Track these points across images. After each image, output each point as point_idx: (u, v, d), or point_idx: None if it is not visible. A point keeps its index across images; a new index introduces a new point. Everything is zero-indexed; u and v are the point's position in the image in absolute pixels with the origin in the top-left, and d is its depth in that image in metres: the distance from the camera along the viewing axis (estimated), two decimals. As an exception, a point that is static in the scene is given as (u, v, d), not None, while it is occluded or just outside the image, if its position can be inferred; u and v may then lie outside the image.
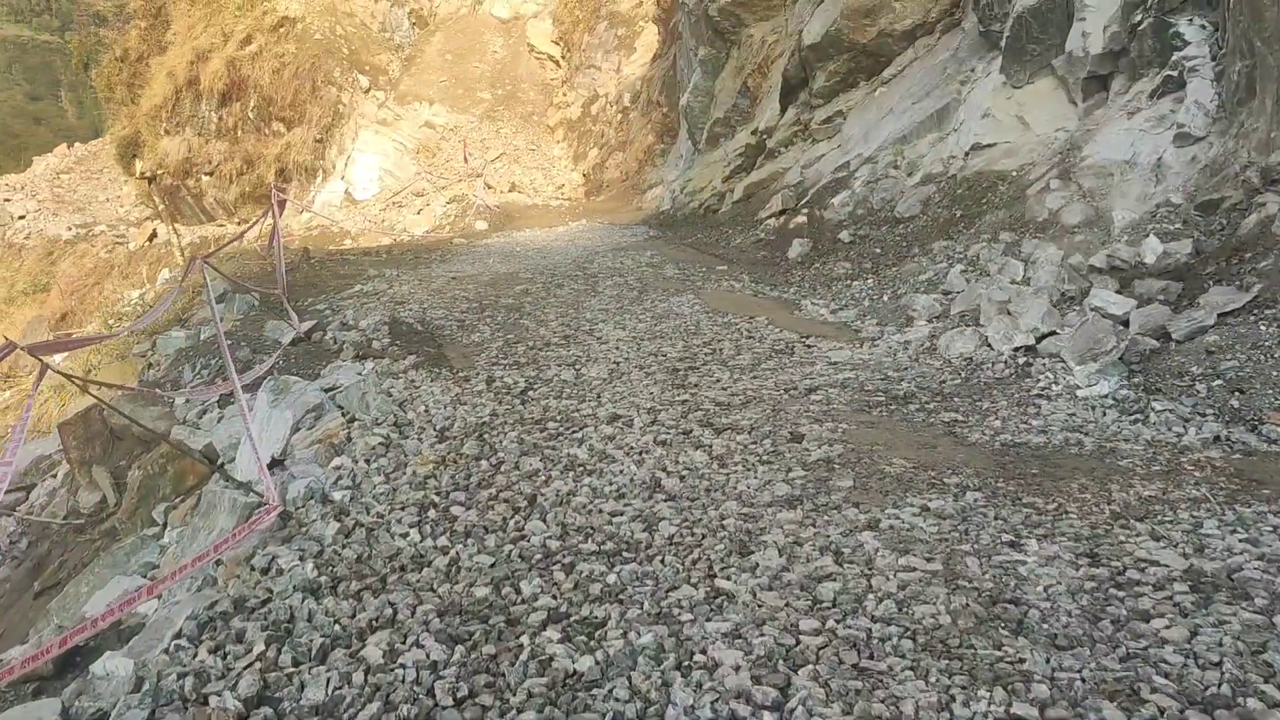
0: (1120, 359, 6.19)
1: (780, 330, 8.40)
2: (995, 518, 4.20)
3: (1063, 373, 6.29)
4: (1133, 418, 5.43)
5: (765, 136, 15.92)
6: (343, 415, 6.33)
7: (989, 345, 7.13)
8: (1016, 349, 6.91)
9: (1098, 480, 4.55)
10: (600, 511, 4.53)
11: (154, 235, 32.35)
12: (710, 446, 5.33)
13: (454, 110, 33.36)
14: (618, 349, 8.05)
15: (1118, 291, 7.17)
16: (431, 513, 4.66)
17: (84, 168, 40.60)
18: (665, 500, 4.63)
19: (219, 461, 7.11)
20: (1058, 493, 4.44)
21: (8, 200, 38.00)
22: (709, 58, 18.27)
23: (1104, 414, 5.55)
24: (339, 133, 33.61)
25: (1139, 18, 9.26)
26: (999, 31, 11.08)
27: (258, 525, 4.43)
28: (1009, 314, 7.46)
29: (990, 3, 11.07)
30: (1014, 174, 10.30)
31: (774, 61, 16.67)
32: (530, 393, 6.83)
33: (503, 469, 5.22)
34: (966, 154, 11.09)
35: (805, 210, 12.69)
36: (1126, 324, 6.63)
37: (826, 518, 4.29)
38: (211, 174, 35.42)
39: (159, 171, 36.23)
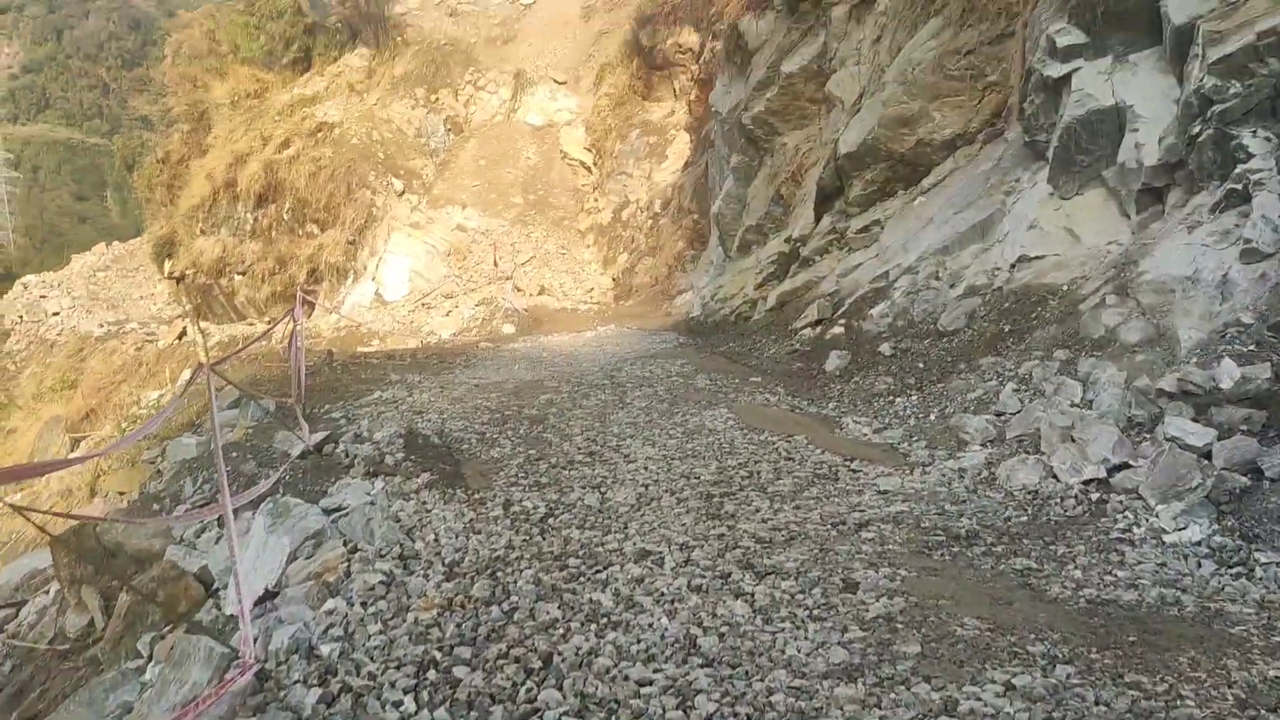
0: (1207, 498, 5.52)
1: (822, 451, 7.77)
2: (1096, 702, 3.51)
3: (1143, 512, 5.61)
4: (1234, 571, 4.74)
5: (799, 244, 15.52)
6: (344, 545, 5.73)
7: (1054, 477, 6.47)
8: (1087, 482, 6.24)
9: (1210, 654, 3.86)
10: (626, 679, 3.87)
11: (183, 333, 32.30)
12: (752, 595, 4.67)
13: (486, 214, 33.44)
14: (646, 469, 7.44)
15: (1194, 419, 6.51)
16: (431, 673, 4.02)
17: (120, 265, 40.95)
18: (702, 665, 3.97)
19: (214, 586, 6.51)
20: (1165, 669, 3.75)
21: (44, 297, 38.23)
22: (741, 165, 18.02)
23: (1199, 565, 4.87)
24: (371, 235, 33.76)
25: (1198, 129, 8.77)
26: (1045, 142, 10.65)
27: (230, 687, 3.80)
28: (1073, 441, 6.81)
29: (1035, 113, 10.66)
30: (1065, 288, 9.74)
31: (808, 169, 16.38)
32: (550, 520, 6.21)
33: (516, 617, 4.58)
34: (1013, 266, 10.56)
35: (842, 321, 12.15)
36: (1208, 456, 5.97)
37: (894, 695, 3.62)
38: (244, 273, 35.59)
39: (192, 270, 36.48)
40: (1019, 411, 7.93)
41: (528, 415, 9.56)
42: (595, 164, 34.04)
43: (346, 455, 8.12)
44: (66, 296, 38.34)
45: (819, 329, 12.42)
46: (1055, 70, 10.15)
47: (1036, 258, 10.37)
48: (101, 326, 35.01)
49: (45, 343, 35.17)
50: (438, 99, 36.87)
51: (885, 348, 10.84)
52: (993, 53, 12.26)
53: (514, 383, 11.80)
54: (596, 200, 33.05)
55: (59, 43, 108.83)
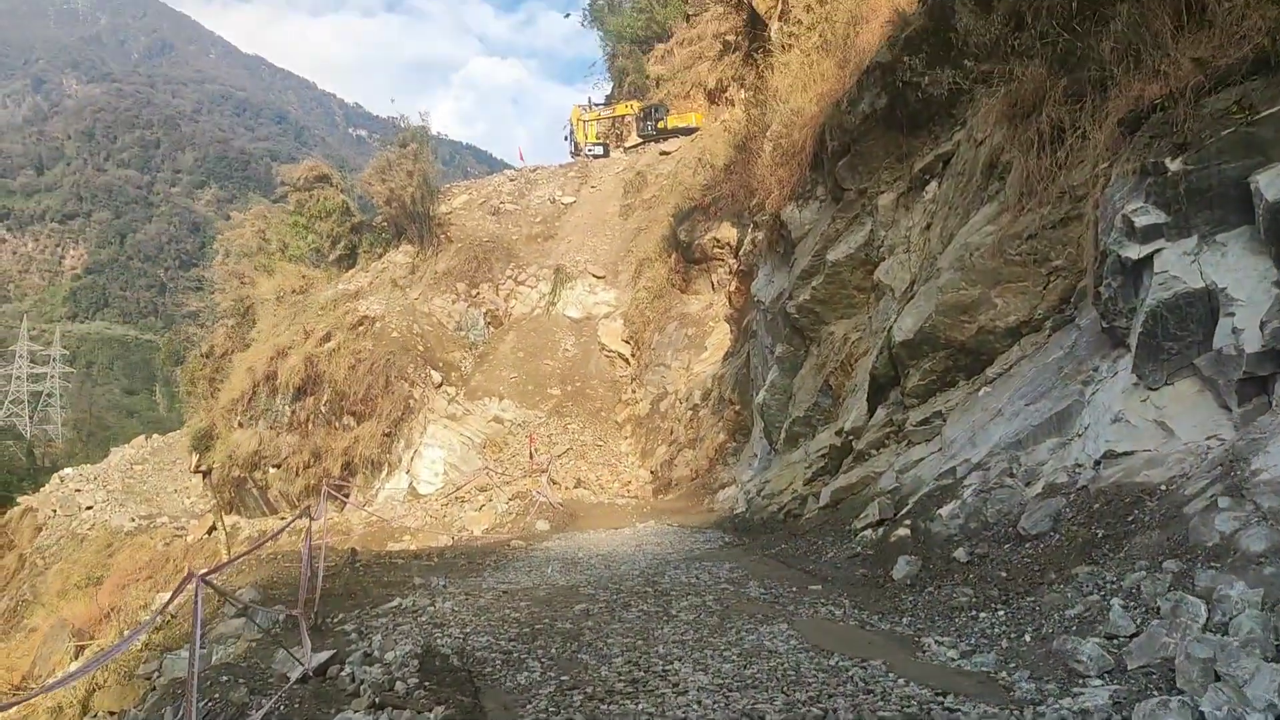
0: None
1: (906, 682, 6.53)
2: None
3: (1346, 781, 4.36)
4: None
5: (851, 438, 14.52)
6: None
7: (1208, 725, 5.21)
8: (1254, 734, 4.99)
9: None
10: None
11: (213, 528, 31.41)
12: None
13: (523, 405, 32.93)
14: (700, 704, 6.23)
15: (1369, 650, 5.29)
16: None
17: (158, 459, 40.60)
18: None
19: None
20: None
21: (79, 491, 37.71)
22: (787, 355, 17.27)
23: None
24: (407, 427, 33.27)
25: (1306, 310, 7.86)
26: (1125, 328, 9.74)
27: None
28: (1219, 678, 5.58)
29: (1113, 297, 9.80)
30: (1163, 487, 8.60)
31: (858, 359, 15.56)
32: (586, 777, 5.02)
33: None
34: (1097, 463, 9.47)
35: (908, 522, 11.00)
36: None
37: None
38: (279, 466, 35.08)
39: (227, 463, 36.00)
40: (1137, 634, 6.69)
41: (560, 630, 8.40)
42: (633, 356, 33.68)
43: (352, 680, 6.98)
44: (101, 490, 37.83)
45: (881, 530, 11.25)
46: (1134, 252, 9.34)
47: (1125, 454, 9.28)
48: (133, 520, 34.28)
49: (76, 537, 34.41)
50: (478, 293, 37.11)
51: (960, 553, 9.65)
52: (1056, 236, 11.55)
53: (546, 589, 10.66)
54: (634, 392, 32.49)
55: (122, 246, 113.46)
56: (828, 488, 14.04)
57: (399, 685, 6.76)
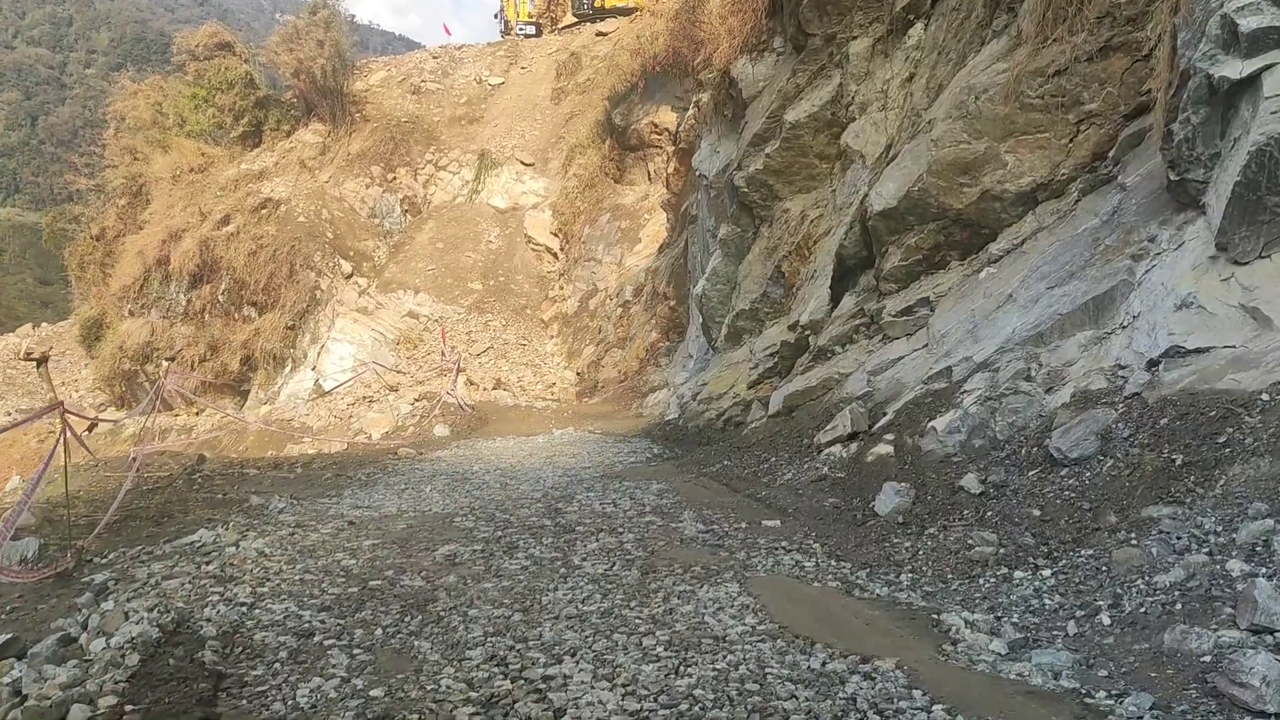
0: None
1: (945, 708, 3.81)
2: None
3: None
4: None
5: (808, 333, 11.75)
6: None
7: None
8: None
9: None
10: None
11: (94, 424, 27.91)
12: None
13: (441, 300, 29.67)
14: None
15: None
16: None
17: (46, 349, 36.59)
18: None
19: None
20: None
21: (-38, 382, 33.77)
22: (732, 237, 14.33)
23: None
24: (314, 320, 29.80)
25: None
26: (1200, 182, 6.97)
27: None
28: None
29: (1190, 138, 6.97)
30: (1264, 397, 5.94)
31: (817, 240, 12.71)
32: None
33: None
34: (1154, 363, 6.78)
35: (889, 437, 8.27)
36: None
37: None
38: (173, 359, 31.48)
39: (118, 355, 32.34)
40: (1310, 629, 4.05)
41: (404, 591, 5.53)
42: (562, 249, 30.53)
43: (15, 692, 4.05)
44: (-7, 382, 33.93)
45: (854, 446, 8.52)
46: (1233, 69, 6.50)
47: (1197, 350, 6.60)
48: (8, 415, 30.57)
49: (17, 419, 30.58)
50: (395, 178, 33.41)
51: (970, 481, 6.95)
52: (1092, 72, 8.68)
53: (411, 518, 7.77)
54: (562, 288, 29.45)
55: (33, 128, 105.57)
56: (779, 392, 11.28)
57: (97, 698, 3.86)
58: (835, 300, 11.32)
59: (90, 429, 27.67)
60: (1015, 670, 4.30)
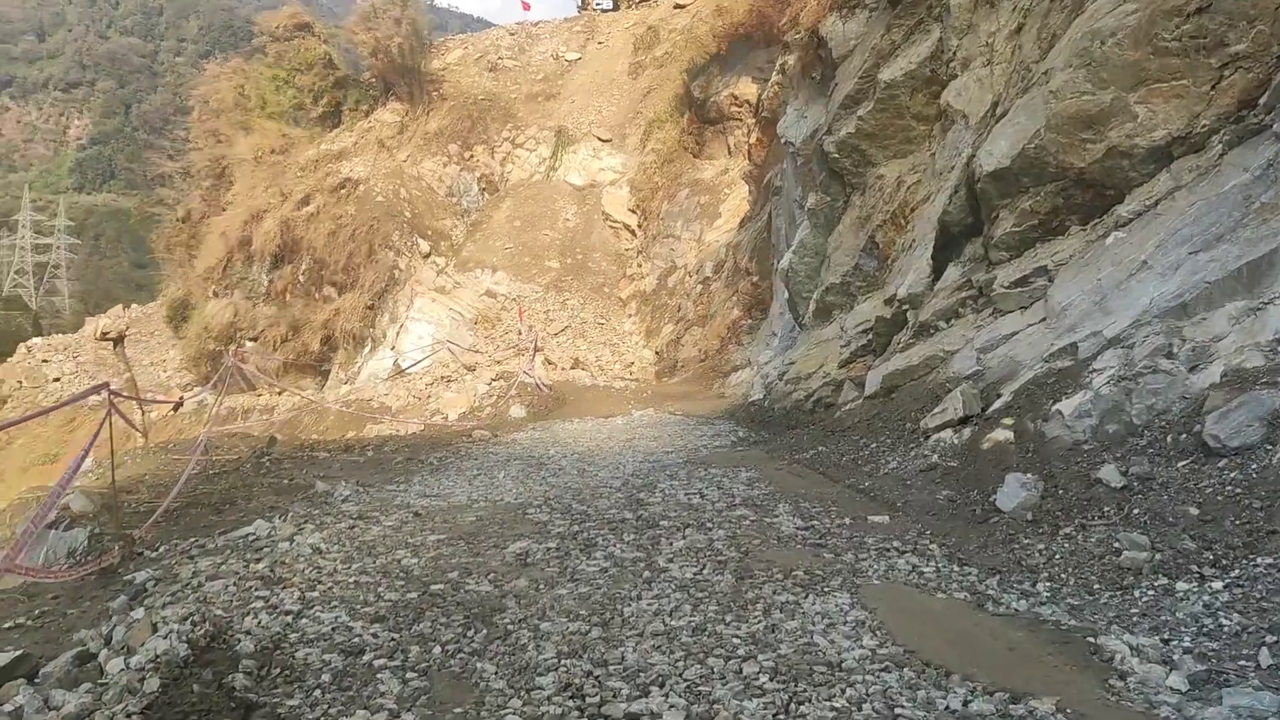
0: None
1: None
2: None
3: None
4: None
5: (907, 307, 10.84)
6: None
7: None
8: None
9: None
10: None
11: (180, 404, 28.12)
12: None
13: (518, 279, 29.21)
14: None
15: None
16: None
17: (136, 329, 37.14)
18: None
19: None
20: None
21: (46, 362, 34.39)
22: (821, 207, 13.42)
23: None
24: (392, 299, 29.62)
25: None
26: (1385, 124, 5.94)
27: None
28: None
29: (1374, 72, 5.95)
30: None
31: (915, 208, 11.75)
32: None
33: None
34: (1328, 336, 5.80)
35: (1007, 421, 7.37)
36: None
37: None
38: (256, 339, 31.66)
39: (203, 335, 32.64)
40: None
41: (470, 598, 4.87)
42: (640, 226, 29.78)
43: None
44: (71, 361, 34.51)
45: (966, 432, 7.63)
46: None
47: (1386, 323, 5.61)
48: (99, 395, 31.00)
49: (60, 401, 31.17)
50: (472, 156, 33.01)
51: (1109, 473, 6.05)
52: (1239, 8, 7.61)
53: (480, 510, 7.13)
54: (640, 265, 28.73)
55: (127, 116, 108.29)
56: (875, 371, 10.41)
57: (109, 733, 3.27)
58: (937, 272, 10.39)
59: (175, 409, 27.91)
60: (1207, 717, 3.46)
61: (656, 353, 24.43)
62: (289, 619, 4.50)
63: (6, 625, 4.64)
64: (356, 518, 6.79)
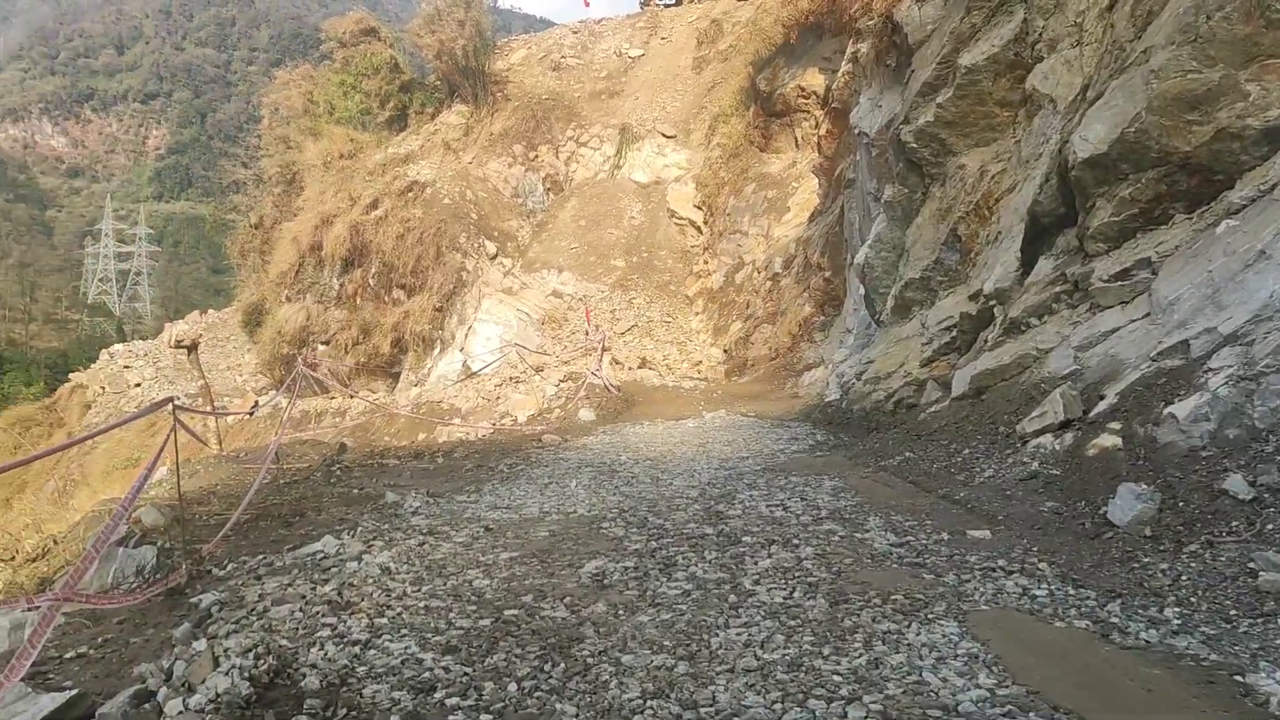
0: None
1: None
2: None
3: None
4: None
5: (993, 302, 10.31)
6: None
7: None
8: None
9: None
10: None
11: (255, 407, 28.48)
12: None
13: (584, 278, 29.02)
14: None
15: None
16: None
17: (212, 334, 37.80)
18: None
19: None
20: None
21: (127, 368, 35.13)
22: (898, 199, 12.90)
23: None
24: (460, 301, 29.65)
25: None
26: None
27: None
28: None
29: None
30: None
31: (1000, 198, 11.18)
32: None
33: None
34: None
35: (1114, 425, 6.84)
36: None
37: None
38: (328, 342, 31.98)
39: (277, 339, 33.06)
40: None
41: (544, 626, 4.55)
42: (706, 223, 29.35)
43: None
44: (151, 367, 35.22)
45: (1068, 437, 7.11)
46: None
47: None
48: (180, 398, 31.58)
49: (123, 415, 31.85)
50: (537, 156, 32.91)
51: (1236, 483, 5.52)
52: (1367, -28, 7.00)
53: (553, 524, 6.82)
54: (706, 262, 28.30)
55: (202, 125, 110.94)
56: (962, 371, 9.89)
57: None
58: (1027, 265, 9.83)
59: (250, 414, 28.26)
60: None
61: (725, 351, 24.00)
62: (356, 650, 4.23)
63: (69, 655, 4.45)
64: (426, 533, 6.53)
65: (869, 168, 14.36)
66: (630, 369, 23.28)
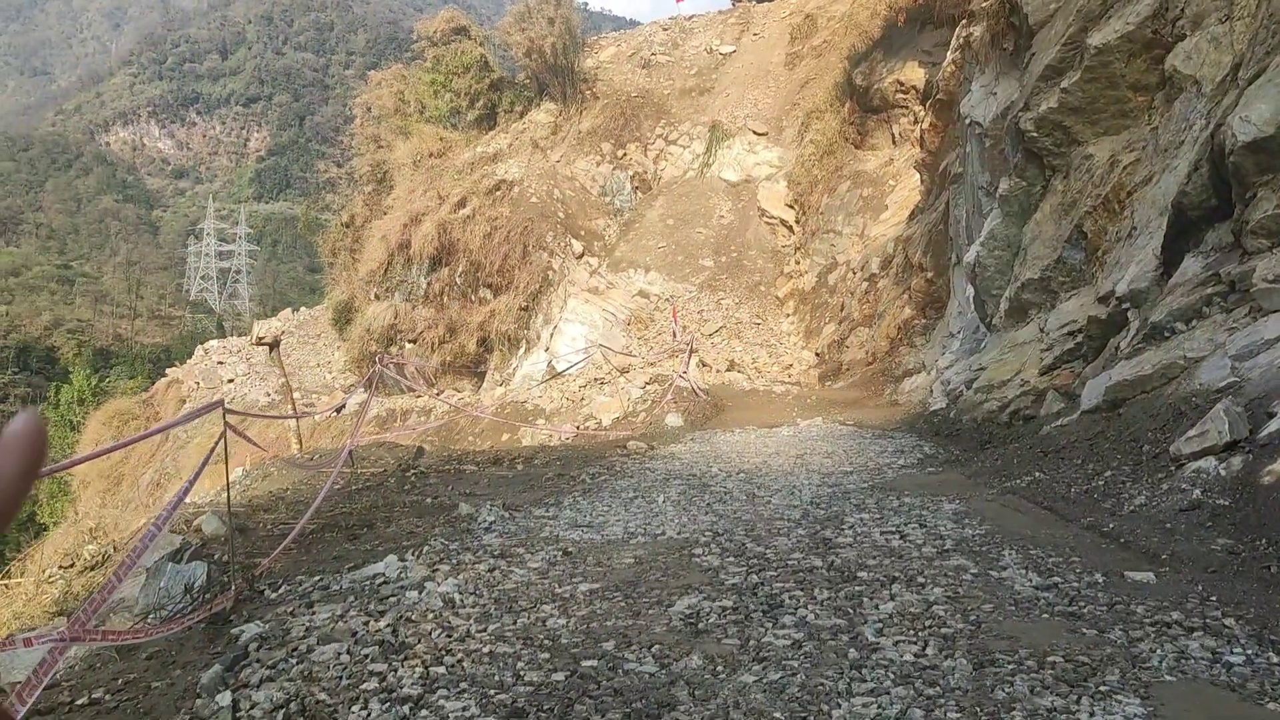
0: None
1: None
2: None
3: None
4: None
5: (1126, 305, 9.26)
6: None
7: None
8: None
9: None
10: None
11: (342, 406, 28.43)
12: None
13: (671, 278, 28.30)
14: None
15: None
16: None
17: (303, 332, 38.04)
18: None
19: None
20: None
21: (221, 363, 35.55)
22: (1015, 193, 11.85)
23: None
24: (546, 300, 29.21)
25: None
26: None
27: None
28: None
29: None
30: None
31: (1133, 191, 10.09)
32: None
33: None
34: None
35: (1293, 449, 5.83)
36: None
37: None
38: (415, 341, 31.90)
39: (365, 337, 33.12)
40: None
41: (628, 685, 3.79)
42: (797, 222, 28.36)
43: None
44: (243, 363, 35.55)
45: (1237, 461, 6.10)
46: None
47: None
48: (267, 395, 31.81)
49: (176, 418, 32.20)
50: (625, 155, 32.29)
51: None
52: None
53: (639, 548, 6.07)
54: (798, 263, 27.32)
55: (301, 128, 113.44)
56: (1095, 381, 8.86)
57: None
58: (1168, 264, 8.77)
59: (338, 411, 28.22)
60: None
61: (817, 354, 23.02)
62: (405, 710, 3.54)
63: (81, 700, 3.86)
64: (498, 555, 5.85)
65: (980, 160, 13.31)
66: (718, 371, 22.47)
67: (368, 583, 5.34)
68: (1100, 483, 6.80)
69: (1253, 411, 6.56)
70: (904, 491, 7.64)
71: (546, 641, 4.27)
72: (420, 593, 4.99)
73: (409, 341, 31.89)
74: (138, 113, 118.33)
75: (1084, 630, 4.24)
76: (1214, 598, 4.60)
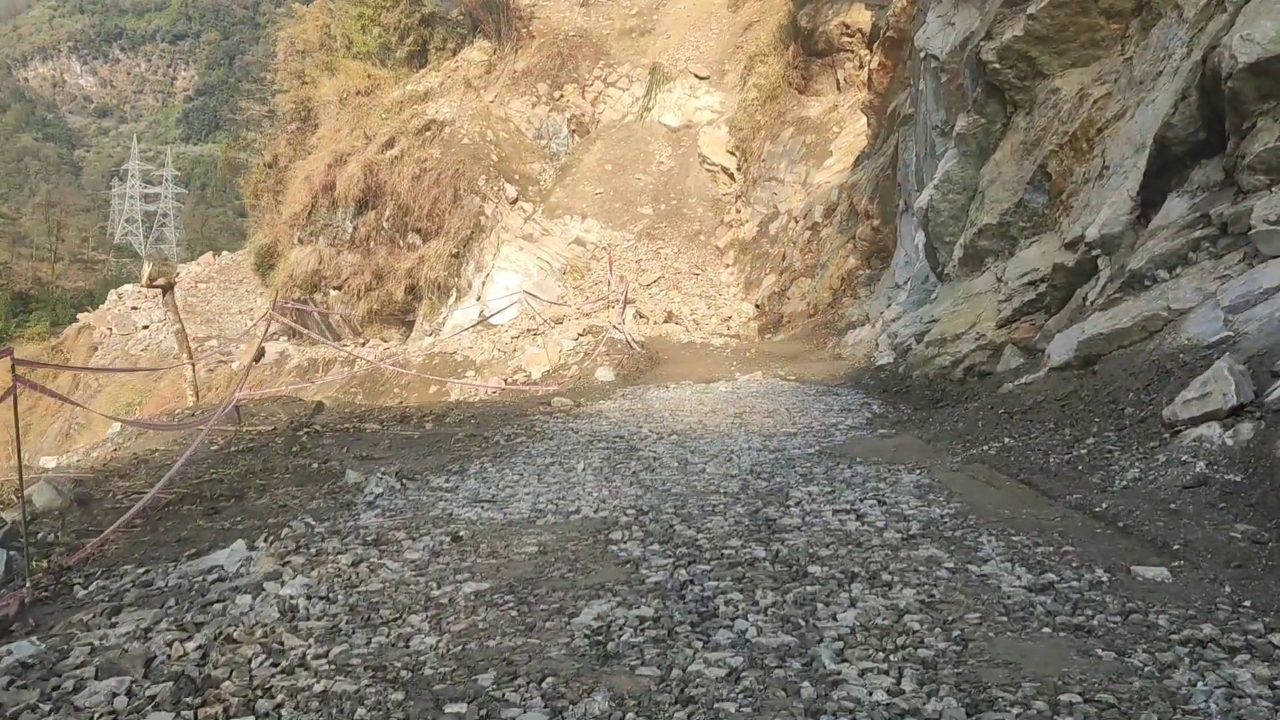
0: None
1: None
2: None
3: None
4: None
5: (1096, 252, 8.36)
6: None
7: None
8: None
9: None
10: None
11: (261, 354, 26.84)
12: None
13: (609, 226, 27.12)
14: None
15: None
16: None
17: (224, 277, 36.24)
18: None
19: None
20: None
21: (135, 309, 33.63)
22: (974, 131, 10.86)
23: None
24: (478, 247, 27.80)
25: None
26: None
27: None
28: None
29: None
30: None
31: (1104, 127, 9.15)
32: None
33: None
34: None
35: (1311, 415, 4.95)
36: None
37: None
38: (340, 288, 30.34)
39: (288, 283, 31.45)
40: None
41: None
42: (739, 169, 27.29)
43: None
44: (160, 309, 33.71)
45: (1245, 428, 5.20)
46: None
47: None
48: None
49: (130, 358, 30.38)
50: (562, 96, 30.83)
51: None
52: None
53: (546, 530, 5.01)
54: (739, 211, 26.30)
55: (230, 67, 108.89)
56: (1064, 335, 7.96)
57: None
58: (1147, 205, 7.86)
59: (257, 360, 26.55)
60: None
61: (757, 306, 22.09)
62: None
63: None
64: (371, 543, 4.74)
65: (935, 97, 12.30)
66: (655, 323, 21.46)
67: (199, 579, 4.21)
68: (1083, 451, 5.88)
69: (1254, 370, 5.67)
70: (855, 458, 6.67)
71: (404, 673, 3.19)
72: (255, 597, 3.87)
73: (334, 288, 30.38)
74: (58, 47, 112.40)
75: (1099, 652, 3.28)
76: (1247, 603, 3.67)
